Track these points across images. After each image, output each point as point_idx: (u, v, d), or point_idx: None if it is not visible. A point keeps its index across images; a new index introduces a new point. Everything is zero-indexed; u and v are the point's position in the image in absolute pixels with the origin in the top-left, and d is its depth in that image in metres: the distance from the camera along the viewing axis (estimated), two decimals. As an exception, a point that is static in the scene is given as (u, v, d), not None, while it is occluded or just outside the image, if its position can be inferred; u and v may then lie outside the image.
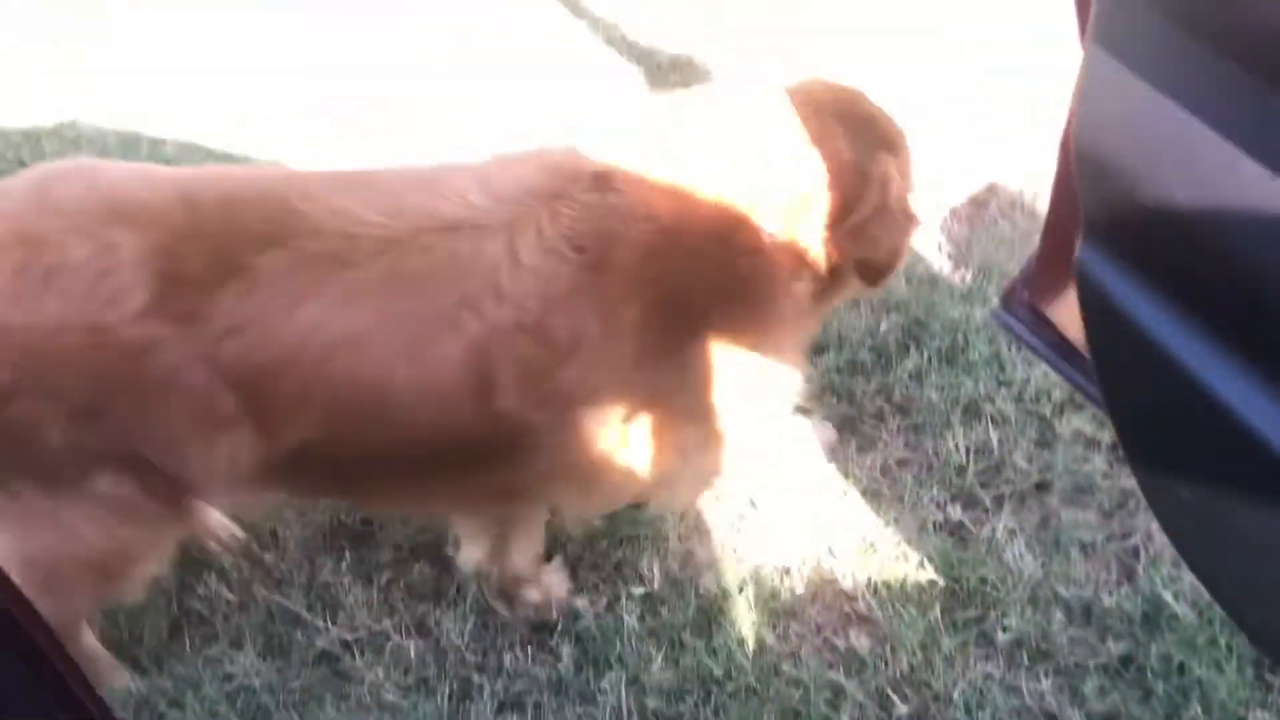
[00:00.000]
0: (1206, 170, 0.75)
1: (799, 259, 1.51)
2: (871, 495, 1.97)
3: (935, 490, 1.96)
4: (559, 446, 1.49)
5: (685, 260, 1.44)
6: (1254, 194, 0.72)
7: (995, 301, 2.23)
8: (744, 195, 1.45)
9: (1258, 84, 0.70)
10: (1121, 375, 0.92)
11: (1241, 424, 0.79)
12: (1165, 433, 0.90)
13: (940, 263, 2.43)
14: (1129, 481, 1.93)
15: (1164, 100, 0.76)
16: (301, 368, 1.35)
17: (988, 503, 1.94)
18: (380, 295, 1.36)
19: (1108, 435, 2.00)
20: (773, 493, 1.99)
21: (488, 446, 1.46)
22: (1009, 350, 2.13)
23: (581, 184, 1.43)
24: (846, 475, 2.00)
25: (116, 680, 1.70)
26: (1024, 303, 1.31)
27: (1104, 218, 0.87)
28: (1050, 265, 1.22)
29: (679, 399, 1.56)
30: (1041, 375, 2.10)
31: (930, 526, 1.91)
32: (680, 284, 1.45)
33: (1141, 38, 0.77)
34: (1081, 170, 0.86)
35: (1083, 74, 0.83)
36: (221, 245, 1.34)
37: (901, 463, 2.02)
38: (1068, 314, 1.26)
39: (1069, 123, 1.15)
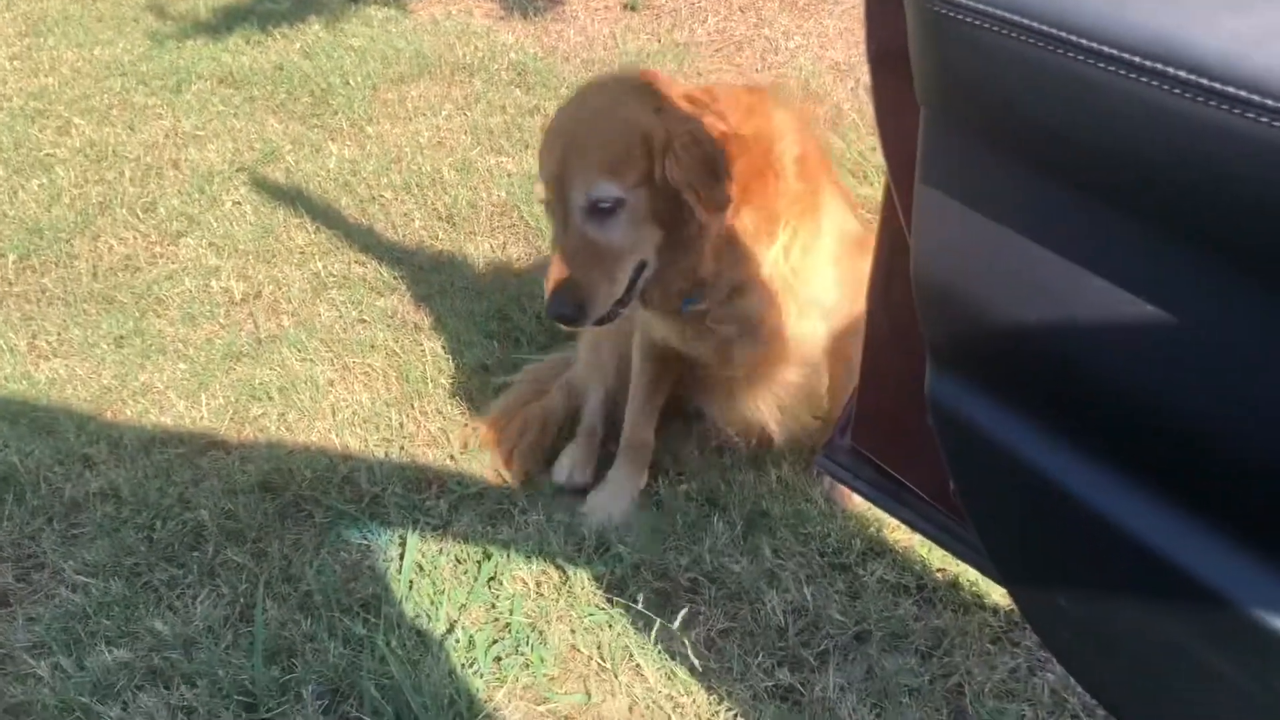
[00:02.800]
0: (1050, 288, 0.79)
1: None
2: (701, 672, 1.93)
3: (761, 656, 1.94)
4: None
5: None
6: (1099, 306, 0.76)
7: (784, 465, 2.33)
8: None
9: (1083, 200, 0.76)
10: (989, 497, 0.95)
11: (1116, 529, 0.82)
12: (1039, 547, 0.93)
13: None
14: (938, 621, 1.98)
15: (998, 227, 0.81)
16: None
17: (812, 661, 1.93)
18: None
19: (911, 579, 2.06)
20: (608, 683, 1.91)
21: None
22: (806, 506, 2.19)
23: None
24: (673, 654, 1.95)
25: None
26: (845, 448, 1.34)
27: (954, 348, 0.90)
28: (870, 408, 1.26)
29: None
30: (839, 528, 2.16)
31: (763, 694, 1.88)
32: None
33: (966, 170, 0.83)
34: (926, 304, 0.90)
35: (916, 214, 0.87)
36: None
37: (724, 633, 2.00)
38: (891, 453, 1.30)
39: (871, 280, 1.22)
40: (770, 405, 2.32)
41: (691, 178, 1.81)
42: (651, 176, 1.84)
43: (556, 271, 1.83)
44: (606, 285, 1.85)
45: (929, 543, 2.07)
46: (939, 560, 2.08)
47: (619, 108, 1.87)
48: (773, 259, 2.00)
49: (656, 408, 2.35)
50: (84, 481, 2.37)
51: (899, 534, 2.14)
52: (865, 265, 2.04)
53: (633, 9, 4.68)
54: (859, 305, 2.12)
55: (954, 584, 2.03)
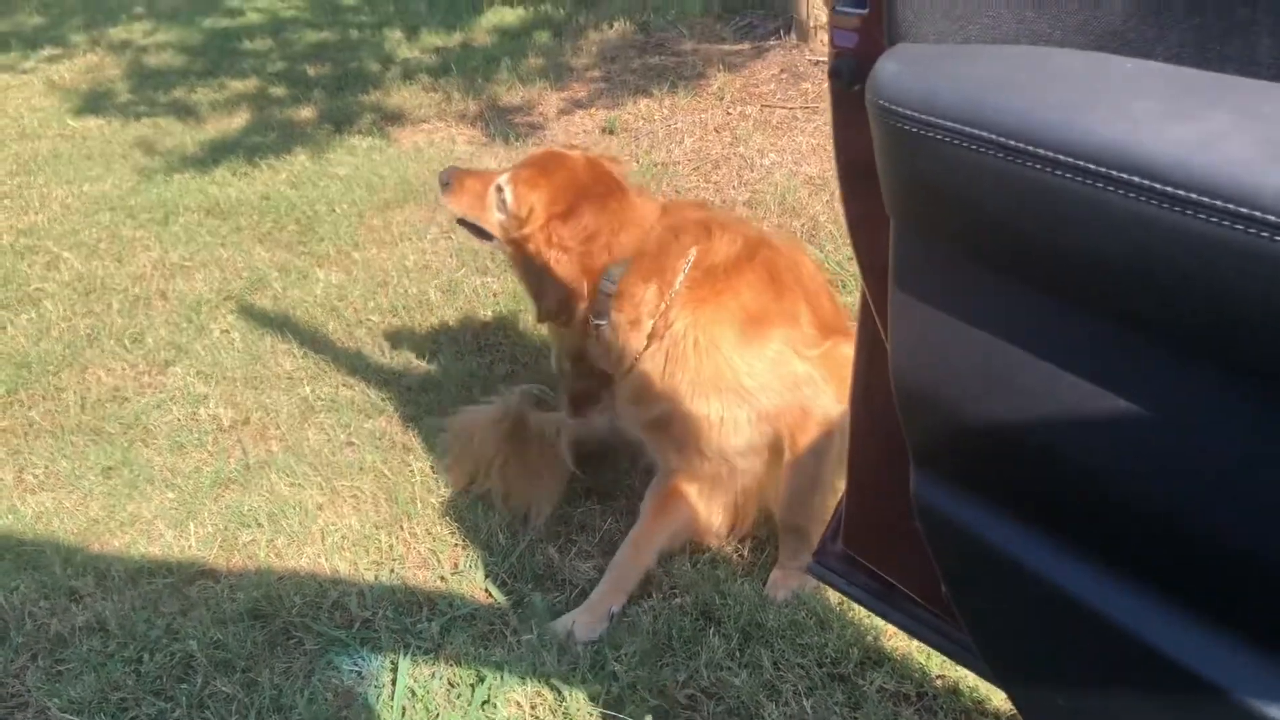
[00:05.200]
0: (1023, 386, 0.81)
1: None
2: (701, 790, 1.89)
3: (763, 773, 1.90)
4: None
5: None
6: (1072, 402, 0.79)
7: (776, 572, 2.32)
8: None
9: (1049, 300, 0.79)
10: (978, 596, 0.95)
11: (1106, 623, 0.82)
12: (1032, 644, 0.93)
13: (718, 544, 2.48)
14: (941, 729, 1.95)
15: (970, 329, 0.84)
16: None
17: (815, 776, 1.90)
18: None
19: (911, 687, 2.04)
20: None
21: None
22: (802, 616, 2.17)
23: None
24: (672, 773, 1.92)
25: None
26: (836, 553, 1.34)
27: (935, 448, 0.92)
28: (859, 512, 1.27)
29: None
30: (836, 637, 2.14)
31: (766, 812, 1.84)
32: None
33: (936, 275, 0.86)
34: (906, 406, 0.92)
35: (891, 319, 0.90)
36: None
37: (724, 750, 1.96)
38: (881, 556, 1.30)
39: (853, 386, 1.24)
40: (705, 501, 2.38)
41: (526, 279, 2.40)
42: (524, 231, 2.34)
43: (477, 173, 2.57)
44: (469, 204, 2.49)
45: (927, 649, 2.06)
46: (938, 667, 2.06)
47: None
48: (666, 344, 2.23)
49: (657, 543, 2.37)
50: (70, 615, 2.34)
51: (897, 641, 2.12)
52: (798, 363, 2.18)
53: (611, 132, 4.81)
54: (799, 396, 2.19)
55: (954, 690, 2.01)
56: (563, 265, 2.27)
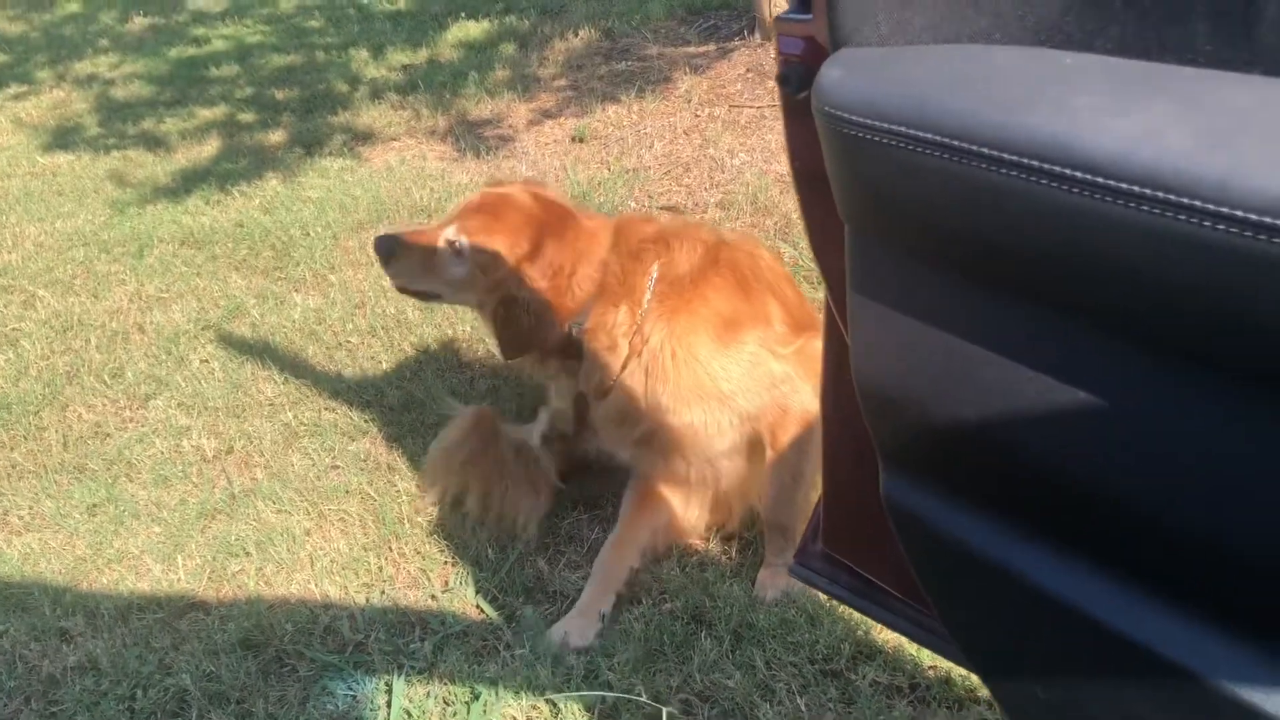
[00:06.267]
0: (981, 383, 0.82)
1: None
2: (701, 795, 1.89)
3: (761, 774, 1.91)
4: None
5: None
6: (1029, 396, 0.79)
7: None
8: None
9: (999, 296, 0.79)
10: (951, 591, 0.96)
11: (1074, 612, 0.83)
12: (1005, 637, 0.94)
13: (706, 546, 2.49)
14: (936, 720, 1.96)
15: (926, 328, 0.85)
16: None
17: (814, 774, 1.91)
18: None
19: (904, 680, 2.05)
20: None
21: None
22: (793, 615, 2.18)
23: None
24: (671, 780, 1.92)
25: None
26: (817, 553, 1.35)
27: (900, 447, 0.93)
28: (837, 511, 1.28)
29: None
30: (827, 633, 2.14)
31: (767, 813, 1.85)
32: None
33: (891, 277, 0.87)
34: (869, 406, 0.93)
35: (851, 321, 0.91)
36: None
37: (721, 753, 1.97)
38: (862, 554, 1.31)
39: (823, 387, 1.25)
40: (684, 501, 2.41)
41: (494, 322, 2.32)
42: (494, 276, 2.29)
43: (415, 233, 2.39)
44: (420, 270, 2.37)
45: (917, 641, 2.06)
46: (930, 658, 2.07)
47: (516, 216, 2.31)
48: (644, 360, 2.24)
49: (639, 540, 2.37)
50: (61, 656, 2.33)
51: (888, 635, 2.13)
52: (774, 363, 2.19)
53: (580, 140, 4.81)
54: (777, 395, 2.20)
55: (947, 680, 2.02)
56: (536, 305, 2.25)
